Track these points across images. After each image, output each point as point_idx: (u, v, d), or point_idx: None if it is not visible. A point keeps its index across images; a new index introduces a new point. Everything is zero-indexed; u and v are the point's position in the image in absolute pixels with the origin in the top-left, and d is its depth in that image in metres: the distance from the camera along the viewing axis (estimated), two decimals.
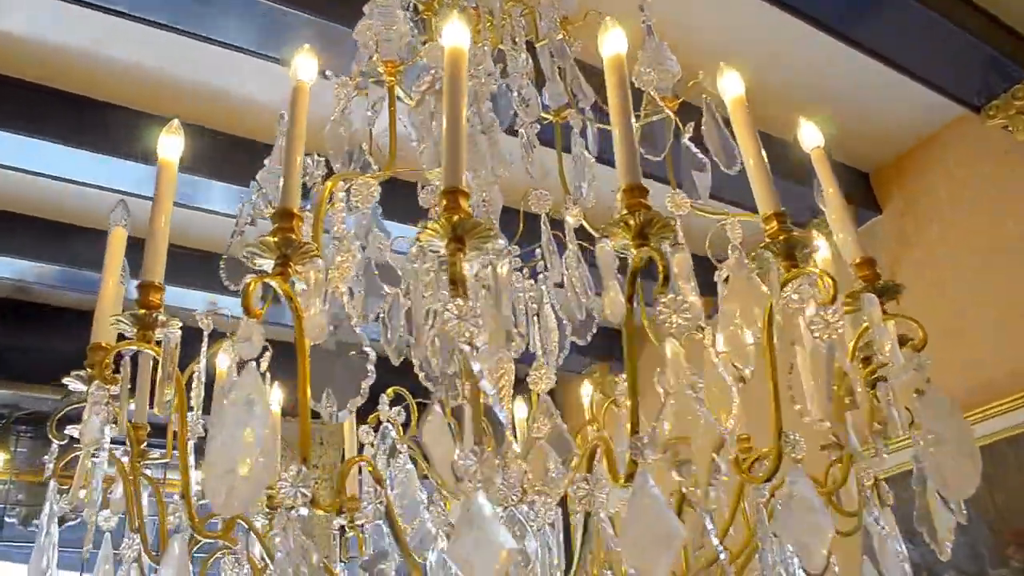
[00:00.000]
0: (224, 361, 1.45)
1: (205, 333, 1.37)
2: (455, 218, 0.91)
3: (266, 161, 1.78)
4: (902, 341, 1.29)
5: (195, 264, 2.98)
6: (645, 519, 0.82)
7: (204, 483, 0.81)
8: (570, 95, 1.85)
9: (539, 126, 1.80)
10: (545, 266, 1.59)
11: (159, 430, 1.33)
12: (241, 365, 0.91)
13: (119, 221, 1.32)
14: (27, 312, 3.47)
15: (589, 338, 1.61)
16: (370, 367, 1.01)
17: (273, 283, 0.94)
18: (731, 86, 1.22)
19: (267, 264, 0.97)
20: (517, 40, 1.82)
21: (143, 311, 1.06)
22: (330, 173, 1.44)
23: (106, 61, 2.67)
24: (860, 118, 3.24)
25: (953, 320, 3.11)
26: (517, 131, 1.81)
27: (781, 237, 1.06)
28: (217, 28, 2.39)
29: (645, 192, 0.98)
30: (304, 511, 0.84)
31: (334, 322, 1.03)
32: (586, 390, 2.22)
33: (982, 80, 3.01)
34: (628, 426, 0.94)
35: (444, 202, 0.93)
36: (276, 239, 0.95)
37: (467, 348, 0.84)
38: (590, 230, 1.70)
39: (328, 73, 1.58)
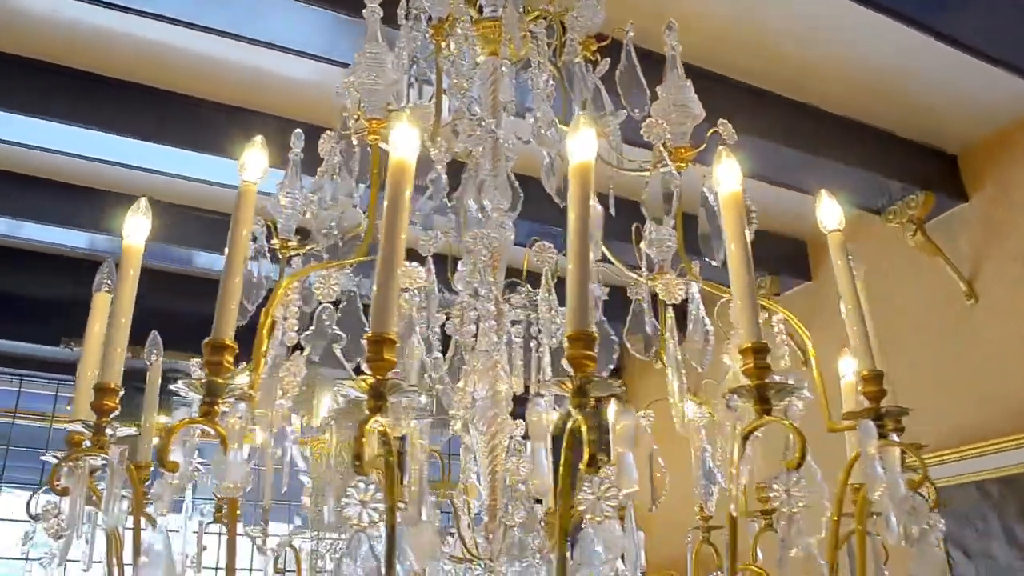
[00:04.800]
0: None
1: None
2: (377, 378, 0.85)
3: (276, 186, 1.75)
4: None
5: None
6: None
7: None
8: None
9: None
10: (539, 327, 1.51)
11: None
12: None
13: (102, 287, 1.31)
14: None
15: None
16: None
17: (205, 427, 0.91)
18: (727, 178, 1.08)
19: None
20: (540, 56, 1.70)
21: (97, 419, 1.06)
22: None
23: (125, 39, 2.70)
24: (946, 94, 2.91)
25: None
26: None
27: (755, 382, 0.94)
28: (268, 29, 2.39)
29: (592, 342, 0.88)
30: None
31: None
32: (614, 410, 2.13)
33: None
34: None
35: (369, 353, 0.87)
36: (204, 378, 0.92)
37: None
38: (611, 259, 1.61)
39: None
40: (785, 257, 3.78)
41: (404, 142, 0.95)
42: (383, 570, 0.78)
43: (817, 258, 3.71)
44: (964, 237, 3.05)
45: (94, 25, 2.61)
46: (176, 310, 2.70)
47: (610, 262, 1.61)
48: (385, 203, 0.93)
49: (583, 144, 0.97)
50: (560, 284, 1.60)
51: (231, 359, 0.94)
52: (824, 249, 3.65)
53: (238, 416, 0.90)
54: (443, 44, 1.63)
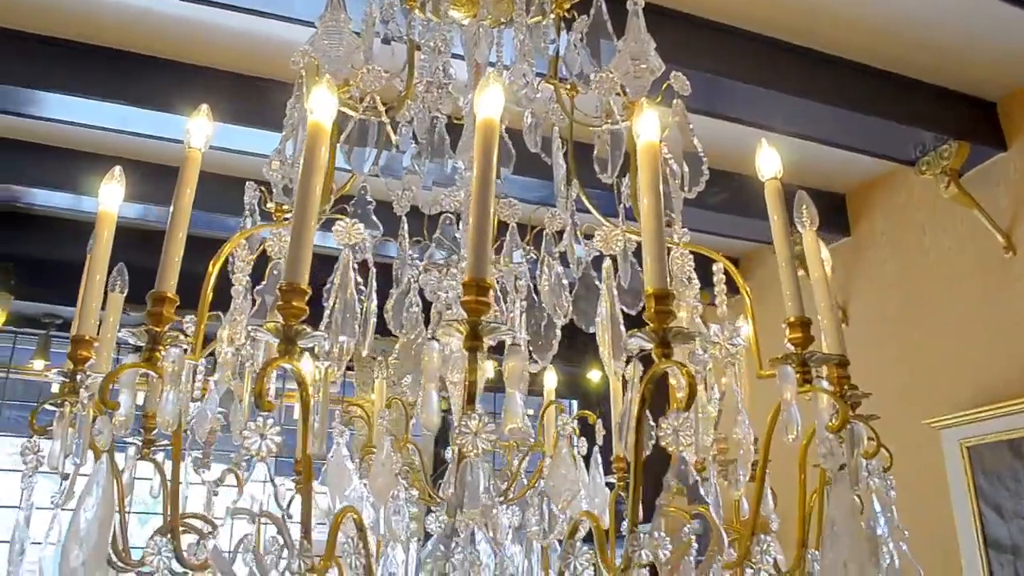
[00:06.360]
0: None
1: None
2: (286, 324, 0.92)
3: (273, 151, 1.84)
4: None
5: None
6: None
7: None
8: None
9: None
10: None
11: None
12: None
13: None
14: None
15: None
16: None
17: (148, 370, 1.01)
18: (647, 129, 1.09)
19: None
20: (518, 16, 1.73)
21: (72, 367, 1.18)
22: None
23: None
24: (984, 37, 2.76)
25: None
26: None
27: (654, 324, 0.97)
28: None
29: (486, 290, 0.93)
30: None
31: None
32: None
33: None
34: None
35: (281, 300, 0.94)
36: (145, 325, 1.02)
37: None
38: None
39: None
40: (823, 212, 3.68)
41: (321, 106, 1.01)
42: (282, 502, 0.87)
43: (856, 214, 3.61)
44: (1002, 188, 2.91)
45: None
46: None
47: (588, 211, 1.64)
48: (300, 164, 1.00)
49: (488, 101, 1.01)
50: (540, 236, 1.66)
51: (172, 310, 1.03)
52: (863, 204, 3.57)
53: (172, 361, 1.00)
54: (414, 6, 1.67)
